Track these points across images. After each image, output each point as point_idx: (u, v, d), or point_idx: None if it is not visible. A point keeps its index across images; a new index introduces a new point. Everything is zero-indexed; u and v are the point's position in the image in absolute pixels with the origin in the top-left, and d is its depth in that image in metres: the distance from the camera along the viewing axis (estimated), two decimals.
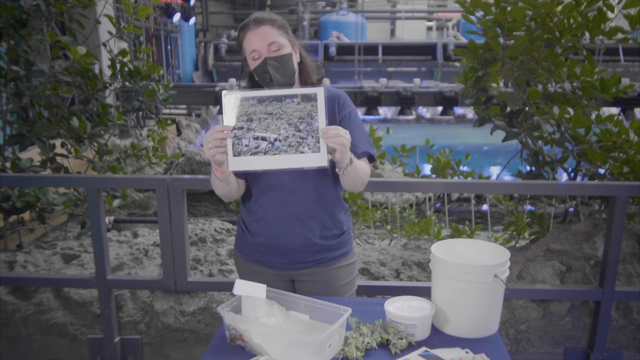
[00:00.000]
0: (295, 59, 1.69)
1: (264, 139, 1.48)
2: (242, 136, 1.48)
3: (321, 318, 1.54)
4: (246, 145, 1.48)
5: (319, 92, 1.47)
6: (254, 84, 1.73)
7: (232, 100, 1.49)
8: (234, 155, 1.49)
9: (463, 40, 12.14)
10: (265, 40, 1.61)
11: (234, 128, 1.48)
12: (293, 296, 1.62)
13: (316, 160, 1.47)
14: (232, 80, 7.19)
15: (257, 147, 1.48)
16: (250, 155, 1.48)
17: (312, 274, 1.77)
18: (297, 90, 1.49)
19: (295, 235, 1.71)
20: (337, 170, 1.58)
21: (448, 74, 10.61)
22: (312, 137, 1.46)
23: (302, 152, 1.47)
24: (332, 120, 1.70)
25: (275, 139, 1.47)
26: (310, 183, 1.69)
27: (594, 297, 2.41)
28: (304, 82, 1.73)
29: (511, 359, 1.46)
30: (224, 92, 1.50)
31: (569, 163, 2.85)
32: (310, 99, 1.46)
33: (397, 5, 17.68)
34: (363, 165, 1.69)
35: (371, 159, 1.77)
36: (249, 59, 1.65)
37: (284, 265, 1.77)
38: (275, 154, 1.48)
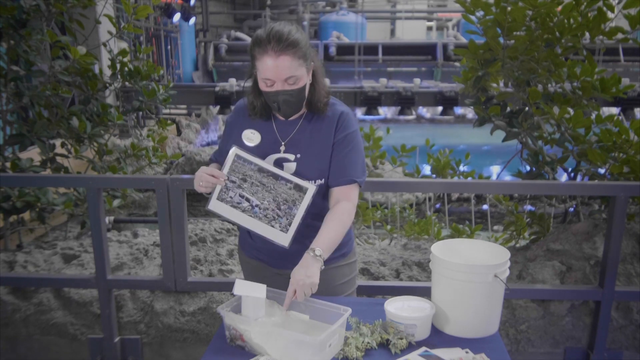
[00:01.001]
0: (308, 83, 1.64)
1: (247, 200, 1.65)
2: (231, 188, 1.65)
3: (321, 318, 1.54)
4: (231, 197, 1.66)
5: (310, 189, 1.61)
6: (257, 88, 1.70)
7: (238, 157, 1.64)
8: (217, 199, 1.66)
9: (463, 40, 12.11)
10: (283, 74, 1.54)
11: (227, 178, 1.64)
12: None
13: (281, 238, 1.64)
14: (232, 80, 7.18)
15: (238, 203, 1.66)
16: (230, 206, 1.66)
17: None
18: (294, 178, 1.62)
19: (294, 240, 1.71)
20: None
21: (448, 74, 10.60)
22: (287, 219, 1.63)
23: (272, 226, 1.64)
24: (326, 144, 1.67)
25: (257, 205, 1.65)
26: None
27: (594, 297, 2.41)
28: (309, 102, 1.68)
29: (511, 359, 1.46)
30: (235, 147, 1.65)
31: (569, 163, 2.85)
32: (301, 189, 1.62)
33: (397, 5, 17.65)
34: (335, 232, 1.63)
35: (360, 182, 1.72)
36: (260, 80, 1.60)
37: (284, 265, 1.77)
38: (250, 216, 1.65)
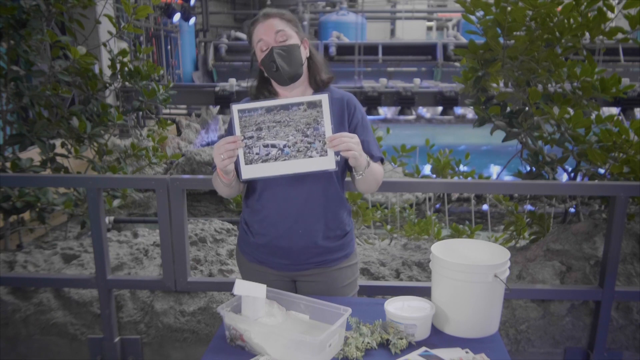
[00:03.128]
0: (304, 53, 1.69)
1: (273, 146, 1.53)
2: (253, 145, 1.54)
3: (321, 318, 1.54)
4: (257, 154, 1.54)
5: (324, 99, 1.51)
6: (262, 81, 1.74)
7: (241, 111, 1.53)
8: (246, 164, 1.55)
9: (463, 40, 12.12)
10: (272, 30, 1.63)
11: (244, 138, 1.53)
12: (293, 296, 1.62)
13: (325, 163, 1.54)
14: (232, 80, 7.18)
15: (267, 155, 1.54)
16: (261, 162, 1.54)
17: (313, 274, 1.77)
18: (303, 98, 1.53)
19: (298, 236, 1.71)
20: (354, 173, 1.64)
21: (448, 74, 10.60)
22: (319, 141, 1.53)
23: (310, 157, 1.53)
24: (341, 123, 1.71)
25: (285, 146, 1.53)
26: (315, 182, 1.68)
27: (594, 297, 2.41)
28: (313, 79, 1.74)
29: (511, 359, 1.46)
30: (233, 105, 1.54)
31: (569, 163, 2.85)
32: (315, 105, 1.52)
33: (397, 5, 17.67)
34: (378, 167, 1.72)
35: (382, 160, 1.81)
36: (257, 51, 1.66)
37: (286, 266, 1.77)
38: (285, 159, 1.54)
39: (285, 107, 1.52)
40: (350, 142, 1.51)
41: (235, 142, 1.52)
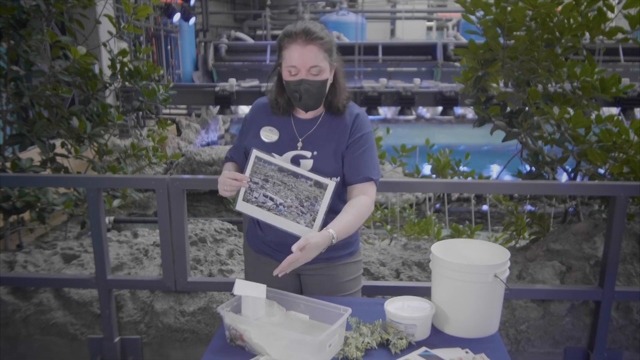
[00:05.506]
0: (329, 81, 1.69)
1: (271, 199, 1.69)
2: (255, 189, 1.70)
3: (321, 318, 1.55)
4: (255, 198, 1.70)
5: (330, 185, 1.64)
6: (281, 88, 1.73)
7: (258, 158, 1.69)
8: (243, 200, 1.71)
9: (463, 40, 12.12)
10: (309, 62, 1.61)
11: (250, 180, 1.69)
12: (293, 296, 1.62)
13: (306, 233, 1.63)
14: (232, 80, 7.18)
15: (263, 203, 1.70)
16: (256, 205, 1.70)
17: (319, 268, 1.79)
18: (314, 175, 1.65)
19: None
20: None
21: (448, 74, 10.59)
22: (311, 215, 1.66)
23: (297, 222, 1.67)
24: (341, 143, 1.72)
25: (281, 204, 1.68)
26: None
27: (594, 297, 2.41)
28: (329, 103, 1.73)
29: (511, 359, 1.46)
30: (254, 149, 1.69)
31: (569, 163, 2.85)
32: (321, 186, 1.65)
33: (397, 5, 17.67)
34: (354, 219, 1.66)
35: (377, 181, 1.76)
36: (284, 69, 1.65)
37: None
38: (276, 214, 1.69)
39: (295, 175, 1.66)
40: (296, 264, 1.54)
41: (241, 181, 1.66)
